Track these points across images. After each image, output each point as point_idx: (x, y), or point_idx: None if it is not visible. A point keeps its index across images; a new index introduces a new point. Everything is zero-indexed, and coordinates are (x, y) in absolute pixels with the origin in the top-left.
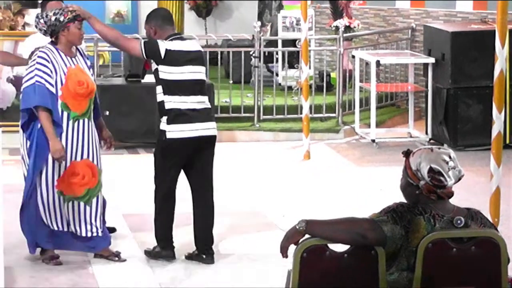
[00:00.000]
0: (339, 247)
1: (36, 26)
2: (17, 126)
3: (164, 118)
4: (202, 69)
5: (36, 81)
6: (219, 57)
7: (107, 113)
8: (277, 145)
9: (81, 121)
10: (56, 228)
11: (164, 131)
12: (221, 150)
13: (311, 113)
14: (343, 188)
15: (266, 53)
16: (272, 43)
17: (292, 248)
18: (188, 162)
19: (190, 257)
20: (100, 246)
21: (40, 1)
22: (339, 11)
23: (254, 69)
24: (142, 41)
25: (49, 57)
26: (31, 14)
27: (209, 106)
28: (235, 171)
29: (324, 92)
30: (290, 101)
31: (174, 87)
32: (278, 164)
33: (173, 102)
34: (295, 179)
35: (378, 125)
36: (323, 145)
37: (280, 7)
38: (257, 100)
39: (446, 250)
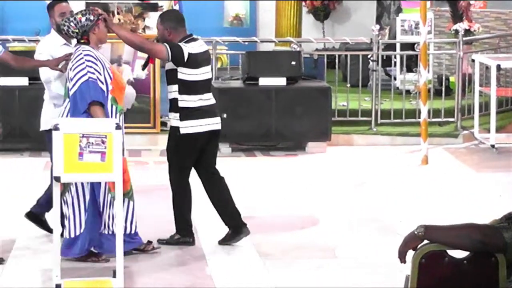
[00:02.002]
0: (458, 253)
1: (67, 31)
2: (138, 127)
3: (177, 115)
4: (210, 68)
5: (90, 77)
6: (336, 60)
7: (225, 115)
8: (394, 150)
9: (122, 115)
10: (106, 232)
11: (177, 128)
12: (338, 154)
13: (429, 117)
14: (461, 194)
15: (384, 57)
16: (391, 47)
17: (410, 254)
18: (199, 154)
19: (224, 239)
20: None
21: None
22: (459, 14)
23: (372, 72)
24: (168, 45)
25: (95, 55)
26: (152, 17)
27: (214, 101)
28: (352, 175)
29: (442, 96)
30: (408, 105)
31: (191, 87)
32: (395, 168)
33: (186, 101)
34: (412, 184)
35: (498, 130)
36: (441, 150)
37: (399, 10)
38: (374, 104)
39: None
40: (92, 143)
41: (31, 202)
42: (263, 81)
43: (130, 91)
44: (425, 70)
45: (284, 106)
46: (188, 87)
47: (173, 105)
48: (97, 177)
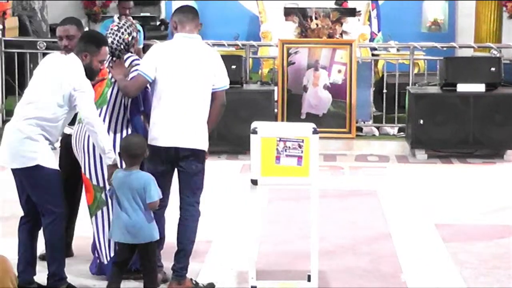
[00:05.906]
0: None
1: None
2: (333, 132)
3: None
4: None
5: None
6: None
7: (421, 121)
8: None
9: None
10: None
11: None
12: None
13: None
14: None
15: None
16: None
17: None
18: None
19: None
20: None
21: None
22: None
23: None
24: None
25: None
26: (350, 22)
27: None
28: None
29: None
30: None
31: None
32: None
33: None
34: None
35: None
36: None
37: None
38: None
39: None
40: (289, 147)
41: (227, 203)
42: (461, 87)
43: (326, 96)
44: None
45: (483, 113)
46: None
47: None
48: (294, 181)
